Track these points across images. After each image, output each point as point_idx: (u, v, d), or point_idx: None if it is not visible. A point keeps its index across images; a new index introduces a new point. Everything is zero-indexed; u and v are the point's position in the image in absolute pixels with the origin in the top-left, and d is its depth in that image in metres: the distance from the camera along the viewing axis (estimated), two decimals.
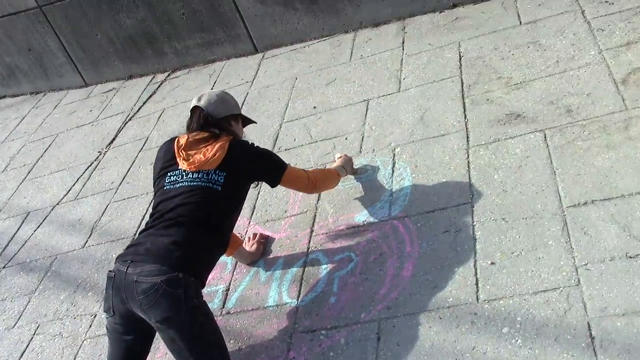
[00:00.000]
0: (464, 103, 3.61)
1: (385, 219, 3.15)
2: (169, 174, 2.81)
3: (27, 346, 3.44)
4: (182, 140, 2.86)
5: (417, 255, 2.88)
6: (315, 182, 3.11)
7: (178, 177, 2.77)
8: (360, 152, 3.64)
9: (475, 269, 2.69)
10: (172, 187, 2.76)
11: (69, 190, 4.66)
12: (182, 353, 2.54)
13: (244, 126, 3.14)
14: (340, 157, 3.48)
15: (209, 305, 3.12)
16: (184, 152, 2.80)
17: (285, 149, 3.97)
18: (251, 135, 3.83)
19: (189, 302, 2.50)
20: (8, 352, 3.47)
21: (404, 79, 4.10)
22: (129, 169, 4.61)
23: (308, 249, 3.21)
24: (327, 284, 2.97)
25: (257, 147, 2.94)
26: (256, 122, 3.30)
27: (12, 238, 4.45)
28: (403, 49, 4.43)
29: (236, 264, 3.32)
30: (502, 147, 3.19)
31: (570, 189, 2.82)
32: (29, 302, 3.79)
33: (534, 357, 2.28)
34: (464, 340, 2.45)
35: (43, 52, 6.27)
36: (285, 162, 3.01)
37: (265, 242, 3.38)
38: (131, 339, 2.63)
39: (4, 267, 4.19)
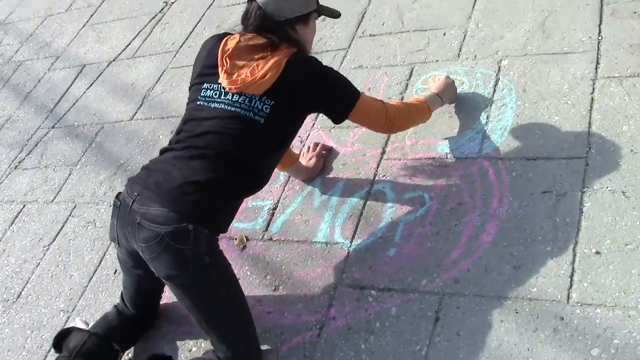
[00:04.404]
0: (601, 13, 2.77)
1: (474, 155, 2.53)
2: (205, 86, 2.22)
3: (62, 228, 3.18)
4: (231, 44, 2.20)
5: (504, 216, 2.28)
6: (395, 121, 2.40)
7: (215, 94, 2.18)
8: (459, 55, 2.92)
9: (574, 255, 2.09)
10: (205, 104, 2.19)
11: (128, 46, 4.19)
12: (192, 312, 2.15)
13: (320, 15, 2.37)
14: (439, 80, 2.69)
15: (250, 224, 2.75)
16: (228, 62, 2.16)
17: (370, 35, 3.28)
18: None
19: (197, 260, 2.04)
20: (44, 230, 3.23)
21: None
22: (193, 29, 4.04)
23: (375, 175, 2.66)
24: (389, 229, 2.46)
25: (324, 68, 2.24)
26: (339, 15, 2.45)
27: (64, 94, 4.10)
28: None
29: (289, 177, 2.84)
30: None
31: None
32: (69, 174, 3.49)
33: None
34: (540, 352, 1.93)
35: None
36: (358, 90, 2.31)
37: (326, 156, 2.85)
38: (142, 273, 2.26)
39: (52, 127, 3.88)
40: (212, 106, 2.18)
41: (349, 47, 3.30)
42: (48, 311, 2.83)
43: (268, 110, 2.14)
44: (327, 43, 3.39)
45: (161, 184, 2.09)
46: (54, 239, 3.16)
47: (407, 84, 2.92)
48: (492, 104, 2.66)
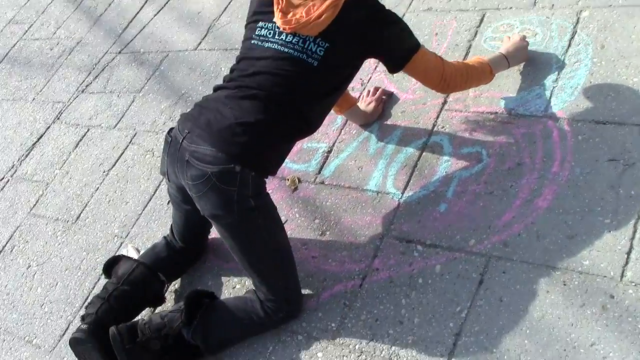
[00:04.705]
0: None
1: (540, 114, 2.39)
2: (260, 25, 2.15)
3: (121, 155, 3.25)
4: None
5: (563, 182, 2.17)
6: (450, 82, 2.28)
7: (269, 34, 2.11)
8: (535, 4, 2.72)
9: (635, 231, 1.96)
10: (259, 44, 2.13)
11: None
12: (235, 253, 2.17)
13: None
14: (513, 39, 2.53)
15: (303, 165, 2.73)
16: (284, 0, 2.08)
17: None
18: None
19: (243, 202, 2.04)
20: (105, 156, 3.31)
21: None
22: None
23: (434, 126, 2.56)
24: (442, 184, 2.38)
25: (385, 12, 2.12)
26: None
27: (132, 20, 4.11)
28: None
29: (347, 121, 2.78)
30: None
31: None
32: (132, 101, 3.53)
33: None
34: (584, 328, 1.85)
35: None
36: (419, 41, 2.20)
37: (386, 101, 2.76)
38: (190, 209, 2.26)
39: (119, 53, 3.91)
40: (266, 46, 2.12)
41: None
42: (103, 235, 2.92)
43: (322, 52, 2.06)
44: None
45: (212, 123, 2.08)
46: (114, 165, 3.23)
47: (477, 32, 2.76)
48: (565, 59, 2.49)
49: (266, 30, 2.13)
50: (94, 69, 3.92)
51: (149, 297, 2.42)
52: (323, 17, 2.03)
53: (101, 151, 3.34)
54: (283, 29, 2.07)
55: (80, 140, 3.49)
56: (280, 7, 2.08)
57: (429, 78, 2.29)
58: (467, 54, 2.71)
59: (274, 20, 2.10)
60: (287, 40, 2.08)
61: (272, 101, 2.08)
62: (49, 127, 3.72)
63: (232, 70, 2.23)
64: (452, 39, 2.80)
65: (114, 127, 3.44)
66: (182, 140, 2.10)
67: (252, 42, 2.17)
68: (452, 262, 2.17)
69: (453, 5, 2.92)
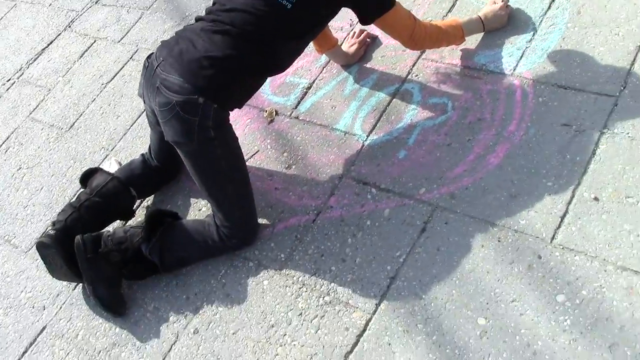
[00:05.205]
0: None
1: (508, 72, 2.42)
2: None
3: (121, 69, 3.38)
4: None
5: (517, 141, 2.23)
6: (418, 42, 2.37)
7: None
8: None
9: (572, 197, 2.04)
10: None
11: None
12: (194, 179, 2.29)
13: None
14: (495, 6, 2.55)
15: (282, 99, 2.82)
16: None
17: None
18: None
19: (203, 132, 2.13)
20: (106, 68, 3.43)
21: None
22: None
23: (408, 74, 2.61)
24: (406, 131, 2.45)
25: None
26: None
27: None
28: None
29: (330, 60, 2.84)
30: None
31: None
32: (140, 18, 3.62)
33: (573, 356, 1.77)
34: (508, 285, 1.95)
35: None
36: None
37: (370, 44, 2.80)
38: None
39: None
40: None
41: None
42: (91, 145, 3.07)
43: None
44: None
45: (184, 53, 2.16)
46: (112, 79, 3.35)
47: None
48: (542, 21, 2.50)
49: None
50: None
51: (119, 211, 2.57)
52: None
53: (103, 64, 3.45)
54: None
55: (86, 50, 3.60)
56: None
57: (398, 35, 2.35)
58: (452, 6, 2.74)
59: None
60: None
61: (243, 38, 2.14)
62: (59, 34, 3.84)
63: (214, 2, 2.29)
64: None
65: (119, 42, 3.53)
66: (157, 67, 2.19)
67: None
68: (400, 207, 2.26)
69: None
